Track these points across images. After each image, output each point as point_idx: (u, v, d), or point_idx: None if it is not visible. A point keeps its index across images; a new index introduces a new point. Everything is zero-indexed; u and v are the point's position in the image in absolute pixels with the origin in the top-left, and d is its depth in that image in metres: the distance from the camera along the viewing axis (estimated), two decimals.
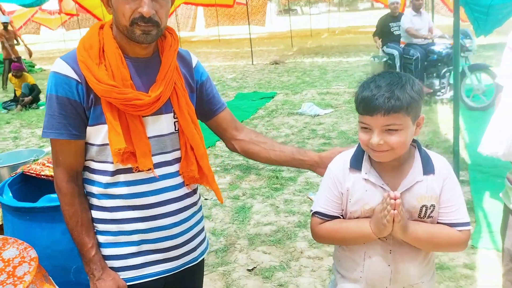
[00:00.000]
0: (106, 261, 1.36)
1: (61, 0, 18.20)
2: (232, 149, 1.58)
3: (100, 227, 1.36)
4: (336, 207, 1.36)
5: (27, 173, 2.19)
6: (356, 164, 1.34)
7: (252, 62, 13.16)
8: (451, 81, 6.63)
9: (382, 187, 1.29)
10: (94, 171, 1.34)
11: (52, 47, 25.37)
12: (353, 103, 1.32)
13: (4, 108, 8.92)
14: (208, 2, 16.86)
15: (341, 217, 1.37)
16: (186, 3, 20.83)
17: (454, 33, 3.37)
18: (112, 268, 1.36)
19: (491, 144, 1.64)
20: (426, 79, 7.05)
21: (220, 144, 5.72)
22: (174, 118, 1.36)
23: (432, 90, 6.91)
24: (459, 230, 1.31)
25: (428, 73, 7.07)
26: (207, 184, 1.46)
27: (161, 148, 1.34)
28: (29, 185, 2.19)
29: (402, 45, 7.45)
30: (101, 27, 1.32)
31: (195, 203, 1.48)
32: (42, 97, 8.93)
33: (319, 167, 1.51)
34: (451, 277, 2.69)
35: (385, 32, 7.95)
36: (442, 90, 6.89)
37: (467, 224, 1.31)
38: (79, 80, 1.25)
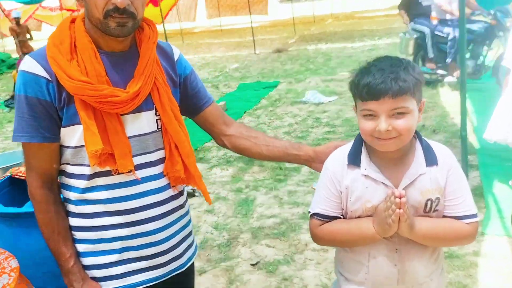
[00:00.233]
0: (87, 271, 1.28)
1: None
2: (222, 145, 1.49)
3: (79, 235, 1.28)
4: (336, 207, 1.28)
5: (15, 176, 2.12)
6: (354, 160, 1.25)
7: (255, 51, 13.00)
8: (488, 63, 6.16)
9: (383, 183, 1.21)
10: (70, 175, 1.26)
11: None
12: None
13: (7, 106, 8.88)
14: None
15: (341, 217, 1.29)
16: None
17: (460, 9, 3.24)
18: (93, 279, 1.29)
19: (498, 130, 1.54)
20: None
21: None
22: (156, 115, 1.27)
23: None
24: (467, 223, 1.23)
25: None
26: (194, 184, 1.37)
27: (143, 148, 1.26)
28: (18, 188, 2.12)
29: (433, 21, 6.51)
30: (73, 21, 1.24)
31: (181, 206, 1.39)
32: None
33: (314, 162, 1.43)
34: (460, 265, 2.61)
35: (412, 3, 6.92)
36: (477, 73, 6.18)
37: (474, 215, 1.24)
38: (50, 79, 1.16)
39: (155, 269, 1.33)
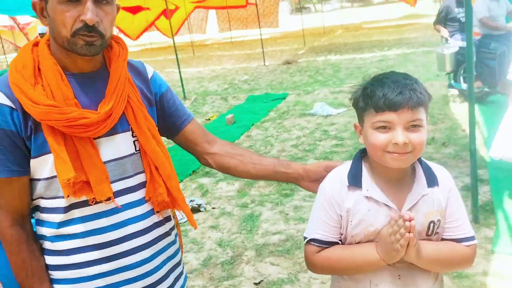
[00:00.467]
0: None
1: None
2: (206, 164, 1.42)
3: (56, 274, 1.18)
4: (335, 232, 1.21)
5: None
6: (355, 180, 1.19)
7: (264, 63, 13.03)
8: None
9: (386, 205, 1.16)
10: (44, 210, 1.17)
11: None
12: None
13: None
14: (220, 4, 16.82)
15: (340, 242, 1.23)
16: (198, 7, 20.92)
17: (466, 19, 3.18)
18: None
19: (504, 147, 1.48)
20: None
21: None
22: (133, 136, 1.20)
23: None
24: (466, 245, 1.19)
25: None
26: (178, 208, 1.29)
27: (121, 173, 1.18)
28: None
29: (476, 37, 6.04)
30: (35, 44, 1.17)
31: (167, 233, 1.30)
32: None
33: (303, 180, 1.38)
34: (469, 286, 2.52)
35: (449, 19, 6.44)
36: None
37: (473, 238, 1.21)
38: (13, 106, 1.08)
39: None
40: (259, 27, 14.64)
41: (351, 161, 1.25)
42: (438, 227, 1.19)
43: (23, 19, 15.10)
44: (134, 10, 17.55)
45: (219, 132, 6.52)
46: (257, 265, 3.00)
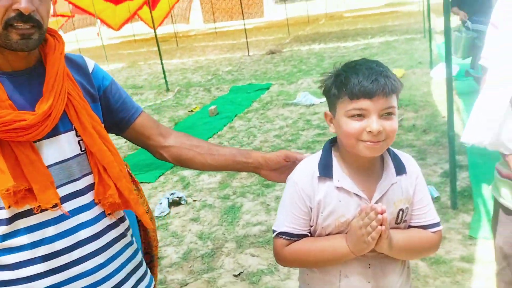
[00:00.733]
0: None
1: (55, 2, 18.07)
2: (162, 158, 1.36)
3: None
4: (305, 225, 1.19)
5: None
6: (325, 171, 1.17)
7: (248, 53, 12.94)
8: None
9: (357, 195, 1.14)
10: None
11: None
12: None
13: None
14: None
15: (309, 234, 1.21)
16: None
17: (444, 5, 3.17)
18: None
19: (476, 132, 1.47)
20: None
21: (212, 141, 5.58)
22: (77, 136, 1.12)
23: None
24: (433, 232, 1.20)
25: None
26: (131, 209, 1.22)
27: (68, 176, 1.10)
28: None
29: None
30: None
31: (123, 235, 1.23)
32: None
33: (263, 169, 1.35)
34: (447, 272, 2.54)
35: (468, 1, 5.97)
36: None
37: (438, 224, 1.21)
38: None
39: None
40: (243, 16, 14.51)
41: (320, 152, 1.22)
42: (406, 215, 1.19)
43: None
44: (116, 0, 17.29)
45: (201, 123, 6.46)
46: (237, 256, 2.99)
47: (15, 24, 0.99)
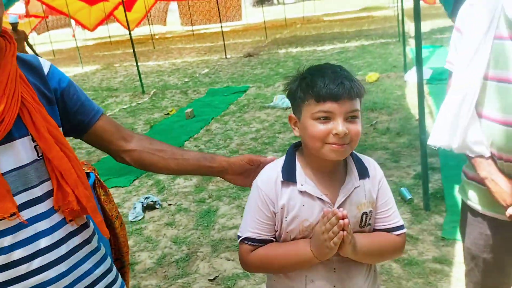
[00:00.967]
0: None
1: (27, 2, 17.65)
2: (123, 162, 1.31)
3: None
4: (269, 230, 1.18)
5: None
6: (289, 175, 1.16)
7: (226, 56, 12.92)
8: None
9: (320, 199, 1.13)
10: None
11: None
12: None
13: None
14: None
15: (274, 239, 1.20)
16: (160, 0, 20.50)
17: (414, 11, 3.23)
18: None
19: (442, 135, 1.49)
20: None
21: (189, 144, 5.53)
22: (33, 141, 1.08)
23: None
24: (397, 235, 1.21)
25: None
26: (91, 216, 1.18)
27: (24, 183, 1.06)
28: None
29: None
30: None
31: (87, 241, 1.20)
32: None
33: (227, 174, 1.33)
34: (419, 273, 2.57)
35: None
36: None
37: (402, 227, 1.22)
38: None
39: None
40: (220, 19, 14.49)
41: (284, 156, 1.21)
42: (370, 218, 1.19)
43: None
44: (92, 1, 17.01)
45: (178, 126, 6.40)
46: (213, 261, 2.96)
47: None
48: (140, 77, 9.24)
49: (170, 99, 8.37)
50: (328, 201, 1.14)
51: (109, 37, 24.24)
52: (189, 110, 6.82)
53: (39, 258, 1.07)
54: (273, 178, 1.17)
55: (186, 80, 10.16)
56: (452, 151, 1.50)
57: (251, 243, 1.18)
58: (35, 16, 20.26)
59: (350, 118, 1.09)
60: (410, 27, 11.35)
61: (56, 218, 1.11)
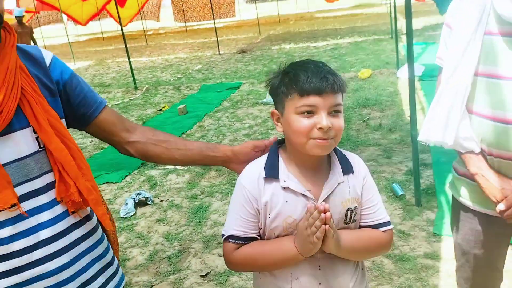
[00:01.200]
0: None
1: None
2: (127, 154, 1.31)
3: None
4: (253, 228, 1.16)
5: None
6: (272, 172, 1.15)
7: (219, 52, 12.88)
8: None
9: (303, 195, 1.12)
10: None
11: None
12: None
13: None
14: None
15: (259, 237, 1.18)
16: None
17: (406, 7, 3.23)
18: None
19: (433, 131, 1.49)
20: None
21: None
22: (35, 132, 1.08)
23: None
24: (383, 231, 1.20)
25: None
26: (93, 208, 1.17)
27: (25, 175, 1.06)
28: None
29: None
30: None
31: (89, 233, 1.19)
32: None
33: (232, 163, 1.32)
34: (411, 269, 2.58)
35: None
36: None
37: (389, 223, 1.21)
38: None
39: None
40: (213, 15, 14.43)
41: (267, 154, 1.20)
42: (355, 215, 1.18)
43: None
44: None
45: (170, 122, 6.37)
46: (204, 257, 2.95)
47: None
48: (132, 73, 9.18)
49: (163, 95, 8.33)
50: (312, 197, 1.12)
51: (102, 32, 24.06)
52: (182, 106, 6.79)
53: (40, 250, 1.07)
54: (255, 175, 1.16)
55: (179, 76, 10.11)
56: (443, 147, 1.50)
57: (235, 241, 1.16)
58: (27, 11, 20.04)
59: (334, 112, 1.08)
60: (402, 24, 11.35)
61: (58, 209, 1.11)
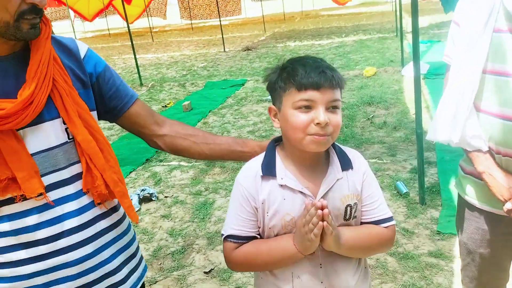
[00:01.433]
0: None
1: None
2: (156, 147, 1.33)
3: None
4: (252, 226, 1.15)
5: None
6: (269, 170, 1.13)
7: (224, 49, 12.87)
8: None
9: (301, 192, 1.11)
10: None
11: None
12: None
13: None
14: None
15: (258, 236, 1.17)
16: None
17: (412, 6, 3.21)
18: None
19: (442, 130, 1.47)
20: None
21: None
22: (65, 124, 1.09)
23: None
24: (385, 227, 1.18)
25: None
26: (119, 200, 1.19)
27: (53, 165, 1.07)
28: None
29: None
30: None
31: (115, 225, 1.21)
32: None
33: None
34: (415, 267, 2.57)
35: None
36: None
37: (391, 218, 1.19)
38: None
39: None
40: (218, 13, 14.42)
41: (264, 152, 1.19)
42: (355, 211, 1.16)
43: None
44: None
45: (175, 119, 6.30)
46: (208, 253, 2.96)
47: (28, 16, 0.99)
48: (138, 70, 9.20)
49: (168, 91, 8.34)
50: (310, 194, 1.11)
51: (108, 29, 24.10)
52: (186, 102, 6.80)
53: (65, 239, 1.09)
54: (253, 173, 1.15)
55: (184, 73, 10.12)
56: (449, 146, 1.49)
57: (234, 241, 1.15)
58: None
59: (331, 108, 1.07)
60: (408, 22, 11.28)
61: (84, 200, 1.13)
